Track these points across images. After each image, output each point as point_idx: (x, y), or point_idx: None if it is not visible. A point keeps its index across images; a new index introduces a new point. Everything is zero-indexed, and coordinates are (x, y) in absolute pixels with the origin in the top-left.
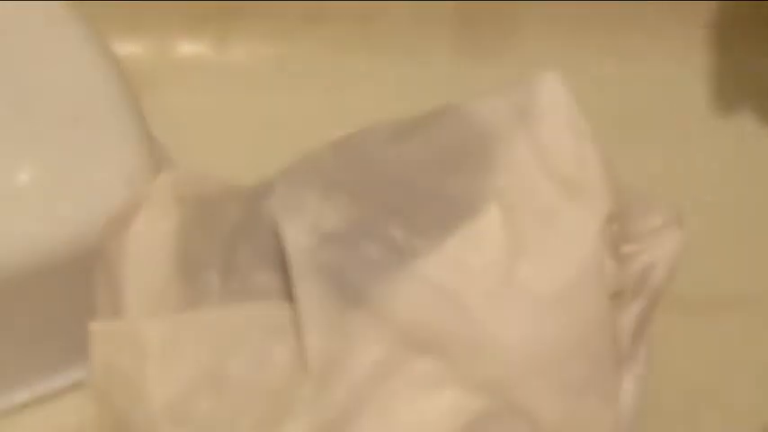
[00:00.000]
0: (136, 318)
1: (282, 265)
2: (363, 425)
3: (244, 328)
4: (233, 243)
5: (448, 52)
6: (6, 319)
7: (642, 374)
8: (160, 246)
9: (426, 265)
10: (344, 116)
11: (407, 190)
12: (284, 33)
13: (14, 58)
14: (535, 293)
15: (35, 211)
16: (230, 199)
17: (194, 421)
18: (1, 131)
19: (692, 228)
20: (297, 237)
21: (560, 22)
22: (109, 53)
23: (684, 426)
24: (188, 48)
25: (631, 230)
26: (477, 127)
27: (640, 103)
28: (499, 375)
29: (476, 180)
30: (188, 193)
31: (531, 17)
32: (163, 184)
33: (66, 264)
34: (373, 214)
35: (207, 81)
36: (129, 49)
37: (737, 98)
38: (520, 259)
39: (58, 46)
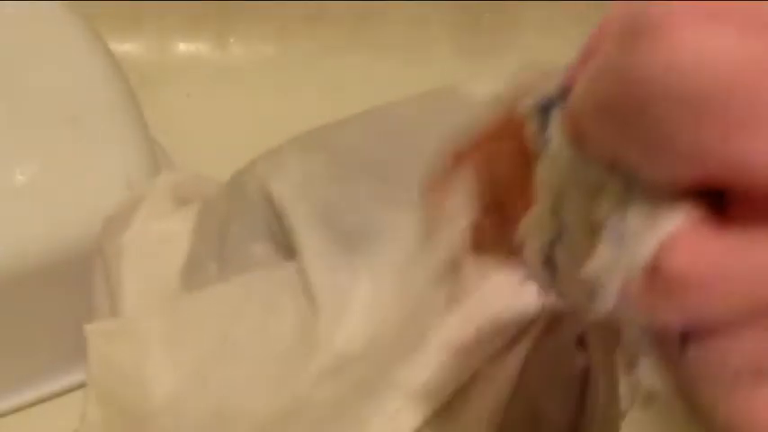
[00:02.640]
0: (134, 316)
1: (273, 234)
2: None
3: (244, 298)
4: (226, 227)
5: (448, 52)
6: (5, 319)
7: None
8: (158, 246)
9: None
10: (344, 116)
11: (389, 146)
12: (284, 33)
13: (14, 58)
14: None
15: (34, 211)
16: (222, 195)
17: (205, 397)
18: (0, 132)
19: None
20: (284, 188)
21: (560, 21)
22: (108, 53)
23: None
24: (188, 48)
25: None
26: (468, 102)
27: None
28: None
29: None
30: (186, 194)
31: (532, 17)
32: (161, 186)
33: (65, 264)
34: (353, 168)
35: (206, 81)
36: (128, 48)
37: None
38: None
39: (57, 46)
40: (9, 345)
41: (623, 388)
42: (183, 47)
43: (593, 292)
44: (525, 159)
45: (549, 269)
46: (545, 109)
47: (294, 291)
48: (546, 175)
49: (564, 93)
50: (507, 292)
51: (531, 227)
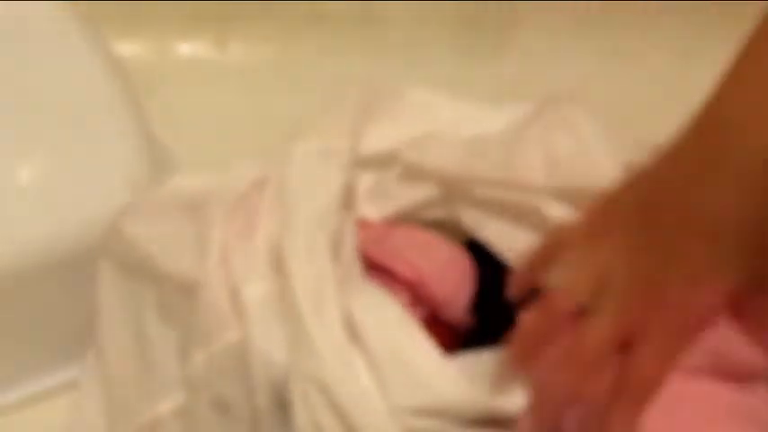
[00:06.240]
0: None
1: None
2: None
3: None
4: None
5: (448, 52)
6: (5, 317)
7: None
8: None
9: None
10: None
11: None
12: (283, 34)
13: (15, 58)
14: None
15: (35, 211)
16: None
17: None
18: (1, 131)
19: None
20: None
21: (560, 22)
22: (109, 53)
23: None
24: (188, 48)
25: None
26: None
27: (640, 103)
28: None
29: None
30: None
31: (531, 17)
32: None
33: (64, 264)
34: None
35: (206, 81)
36: (129, 49)
37: None
38: None
39: (58, 46)
40: (9, 341)
41: None
42: (183, 47)
43: None
44: None
45: None
46: None
47: None
48: None
49: None
50: None
51: None
